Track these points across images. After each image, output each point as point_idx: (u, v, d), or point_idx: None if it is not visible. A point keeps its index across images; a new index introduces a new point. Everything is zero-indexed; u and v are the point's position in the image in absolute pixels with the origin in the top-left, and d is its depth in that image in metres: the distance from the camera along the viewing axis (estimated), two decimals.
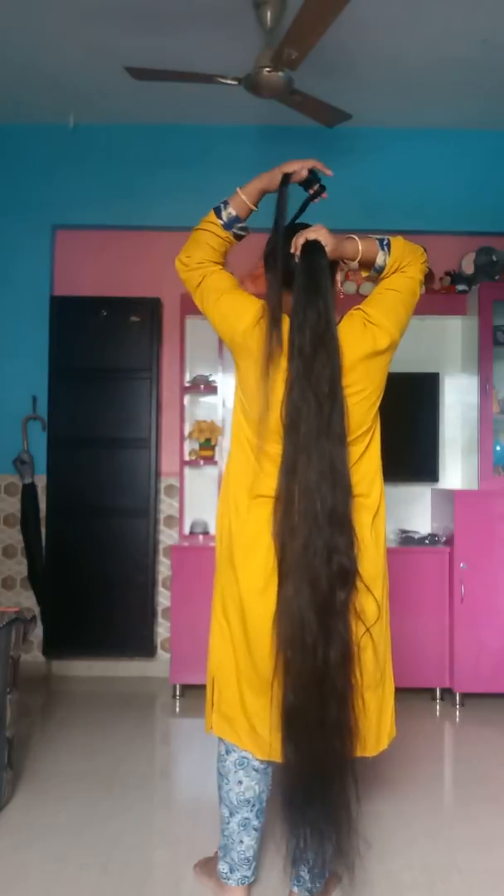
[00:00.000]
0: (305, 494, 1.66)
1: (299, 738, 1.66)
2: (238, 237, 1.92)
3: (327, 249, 1.77)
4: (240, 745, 1.85)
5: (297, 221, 1.89)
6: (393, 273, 1.86)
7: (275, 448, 1.76)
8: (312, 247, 1.77)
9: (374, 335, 1.78)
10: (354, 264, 1.86)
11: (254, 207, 1.88)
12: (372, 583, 1.79)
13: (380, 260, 1.83)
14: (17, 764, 2.74)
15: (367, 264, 1.85)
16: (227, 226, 1.87)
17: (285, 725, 1.68)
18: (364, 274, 1.89)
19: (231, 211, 1.87)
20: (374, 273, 1.87)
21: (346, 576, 1.68)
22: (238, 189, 1.87)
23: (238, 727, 1.84)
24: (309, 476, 1.66)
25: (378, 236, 1.86)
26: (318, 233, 1.78)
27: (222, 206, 1.88)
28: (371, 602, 1.77)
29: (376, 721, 1.84)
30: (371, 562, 1.80)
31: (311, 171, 1.86)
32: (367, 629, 1.75)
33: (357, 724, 1.70)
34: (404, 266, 1.85)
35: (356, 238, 1.84)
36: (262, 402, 1.75)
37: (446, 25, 3.29)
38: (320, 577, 1.65)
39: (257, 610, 1.77)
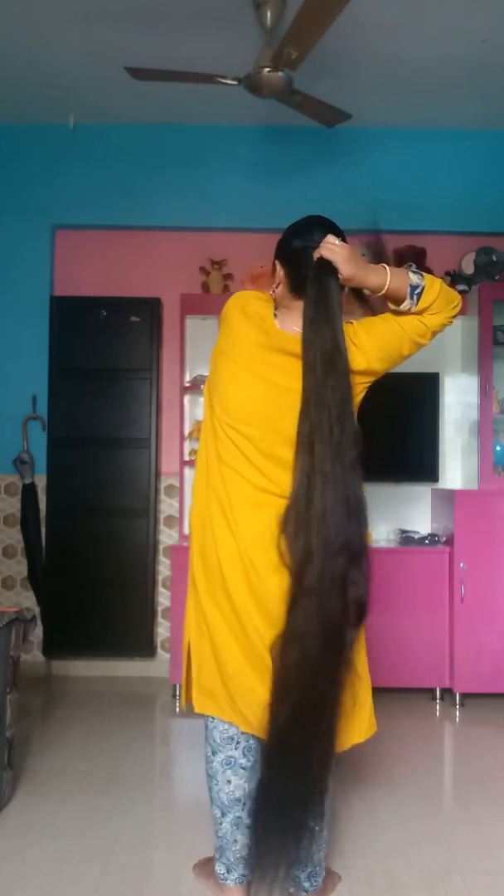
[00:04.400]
0: (321, 521, 1.62)
1: (280, 764, 1.66)
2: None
3: (341, 276, 1.70)
4: (222, 717, 1.84)
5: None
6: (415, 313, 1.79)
7: (259, 436, 1.76)
8: (326, 267, 1.70)
9: (352, 354, 1.73)
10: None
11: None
12: None
13: (404, 307, 1.76)
14: (17, 764, 2.74)
15: (391, 300, 1.77)
16: None
17: (269, 749, 1.69)
18: (392, 306, 1.80)
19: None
20: (395, 309, 1.80)
21: (362, 610, 1.66)
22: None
23: (220, 700, 1.83)
24: (325, 501, 1.62)
25: (414, 279, 1.74)
26: (334, 254, 1.69)
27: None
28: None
29: (351, 717, 1.81)
30: None
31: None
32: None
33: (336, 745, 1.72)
34: (427, 315, 1.79)
35: (386, 270, 1.73)
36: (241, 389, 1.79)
37: (446, 25, 3.29)
38: (333, 609, 1.62)
39: (265, 590, 1.75)
